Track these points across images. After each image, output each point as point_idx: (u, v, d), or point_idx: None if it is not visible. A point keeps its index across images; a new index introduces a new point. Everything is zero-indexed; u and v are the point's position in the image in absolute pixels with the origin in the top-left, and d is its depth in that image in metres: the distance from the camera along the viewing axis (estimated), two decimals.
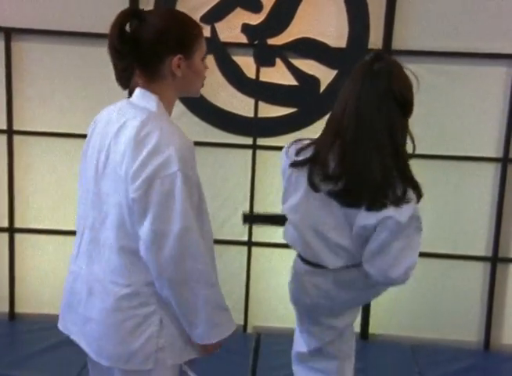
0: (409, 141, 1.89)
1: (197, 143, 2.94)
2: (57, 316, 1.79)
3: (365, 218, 1.84)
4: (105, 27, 1.64)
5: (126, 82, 1.70)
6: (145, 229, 1.55)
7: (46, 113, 3.08)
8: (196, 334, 1.67)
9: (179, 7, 2.85)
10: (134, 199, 1.55)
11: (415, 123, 1.92)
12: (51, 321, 2.02)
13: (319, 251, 1.96)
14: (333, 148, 1.86)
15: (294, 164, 1.95)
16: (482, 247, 3.10)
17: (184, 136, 1.62)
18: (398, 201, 1.79)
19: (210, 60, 2.91)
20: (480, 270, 3.13)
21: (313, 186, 1.89)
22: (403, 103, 1.82)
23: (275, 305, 3.18)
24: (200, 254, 1.59)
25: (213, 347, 1.71)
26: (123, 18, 1.63)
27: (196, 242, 1.58)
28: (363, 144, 1.81)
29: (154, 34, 1.62)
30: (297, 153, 1.95)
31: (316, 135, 2.98)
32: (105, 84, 2.78)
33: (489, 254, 3.09)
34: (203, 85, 1.76)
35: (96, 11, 2.93)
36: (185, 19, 1.68)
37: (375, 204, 1.81)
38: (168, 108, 1.70)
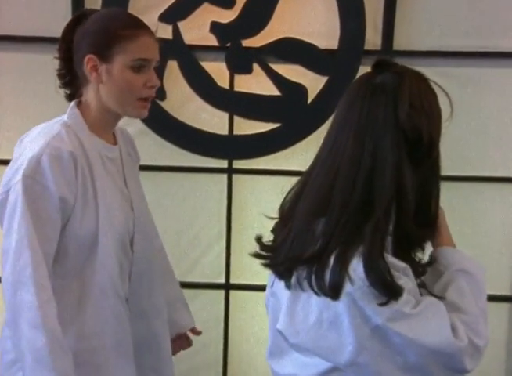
0: None
1: (160, 168, 2.52)
2: None
3: None
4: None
5: (68, 90, 1.63)
6: None
7: None
8: None
9: (133, 3, 2.43)
10: None
11: None
12: None
13: None
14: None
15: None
16: (507, 285, 2.67)
17: (58, 141, 1.47)
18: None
19: (174, 67, 2.48)
20: (504, 312, 2.69)
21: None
22: (415, 140, 1.16)
23: (260, 360, 2.68)
24: (30, 283, 1.38)
25: None
26: (71, 20, 1.60)
27: (29, 267, 1.39)
28: (309, 200, 1.21)
29: (78, 33, 1.55)
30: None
31: (304, 156, 2.61)
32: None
33: None
34: (143, 104, 1.57)
35: (37, 13, 2.50)
36: (113, 18, 1.57)
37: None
38: (98, 121, 1.58)
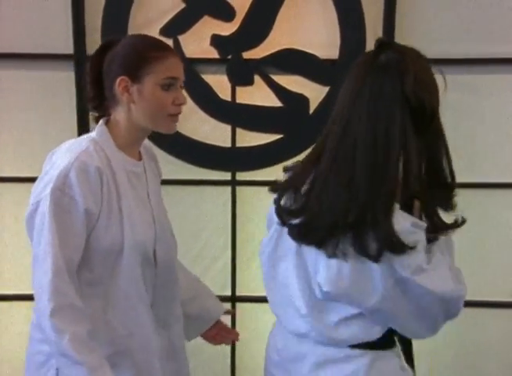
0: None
1: (163, 182, 2.47)
2: None
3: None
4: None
5: (98, 112, 1.70)
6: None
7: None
8: None
9: (133, 18, 2.43)
10: (25, 219, 1.57)
11: None
12: None
13: None
14: (310, 172, 1.43)
15: (272, 189, 1.52)
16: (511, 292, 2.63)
17: (86, 156, 1.55)
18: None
19: None
20: (509, 319, 2.65)
21: (280, 218, 1.47)
22: (420, 111, 1.32)
23: None
24: (48, 290, 1.47)
25: None
26: (100, 47, 1.68)
27: (48, 274, 1.47)
28: (338, 171, 1.35)
29: (109, 57, 1.62)
30: (284, 171, 1.56)
31: None
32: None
33: None
34: (172, 119, 1.64)
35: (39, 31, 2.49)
36: (141, 42, 1.64)
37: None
38: (126, 138, 1.65)
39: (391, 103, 1.30)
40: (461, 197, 2.47)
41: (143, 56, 1.59)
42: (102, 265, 1.59)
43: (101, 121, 1.66)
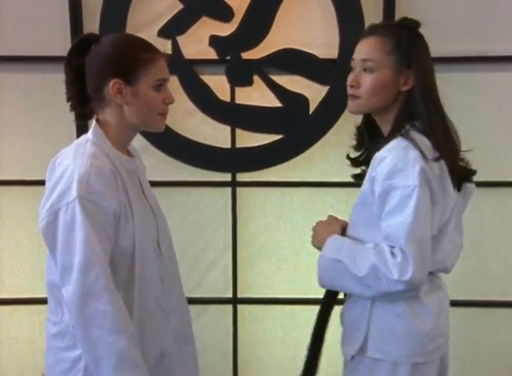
0: None
1: (164, 184, 2.48)
2: None
3: None
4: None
5: (79, 111, 1.68)
6: (57, 262, 1.53)
7: None
8: None
9: (130, 20, 2.41)
10: (41, 229, 1.54)
11: None
12: None
13: None
14: None
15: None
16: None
17: (98, 160, 1.55)
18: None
19: (175, 82, 2.44)
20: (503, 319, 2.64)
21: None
22: None
23: (271, 372, 2.66)
24: (104, 293, 1.49)
25: None
26: (76, 43, 1.66)
27: (101, 278, 1.49)
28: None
29: (94, 57, 1.61)
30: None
31: (307, 166, 2.58)
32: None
33: None
34: (162, 118, 1.68)
35: (37, 33, 2.48)
36: (131, 43, 1.64)
37: None
38: (119, 138, 1.66)
39: None
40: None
41: (136, 58, 1.59)
42: (121, 268, 1.59)
43: (95, 123, 1.65)
